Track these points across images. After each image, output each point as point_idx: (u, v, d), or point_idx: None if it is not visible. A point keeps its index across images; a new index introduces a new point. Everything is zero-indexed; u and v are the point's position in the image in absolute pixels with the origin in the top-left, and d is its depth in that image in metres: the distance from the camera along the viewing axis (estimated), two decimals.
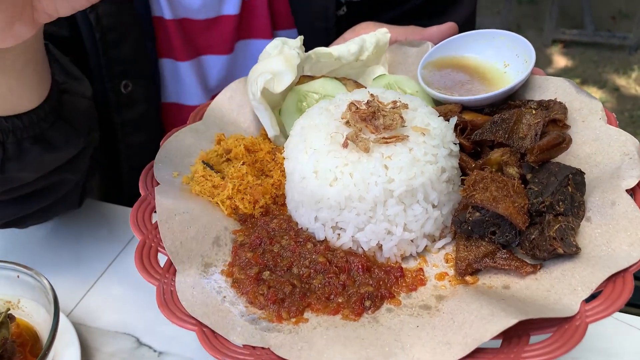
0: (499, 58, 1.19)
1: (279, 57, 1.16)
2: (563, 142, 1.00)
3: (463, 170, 1.05)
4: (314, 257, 0.97)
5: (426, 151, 0.97)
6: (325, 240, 1.01)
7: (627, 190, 0.91)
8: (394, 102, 1.03)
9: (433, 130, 1.00)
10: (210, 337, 0.84)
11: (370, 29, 1.29)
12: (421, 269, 0.98)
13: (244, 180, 1.10)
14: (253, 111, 1.23)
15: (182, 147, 1.17)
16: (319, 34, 1.41)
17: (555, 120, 1.04)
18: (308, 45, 1.24)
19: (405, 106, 1.02)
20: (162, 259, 0.96)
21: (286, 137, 1.14)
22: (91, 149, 1.20)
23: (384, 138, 0.96)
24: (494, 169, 1.00)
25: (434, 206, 0.99)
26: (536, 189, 0.94)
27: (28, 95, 1.00)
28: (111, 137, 1.45)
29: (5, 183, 1.05)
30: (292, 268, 0.97)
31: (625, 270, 0.82)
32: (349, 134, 0.97)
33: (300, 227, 1.04)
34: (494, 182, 0.94)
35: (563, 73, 4.53)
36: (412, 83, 1.23)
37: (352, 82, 1.24)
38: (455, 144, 1.03)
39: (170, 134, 1.18)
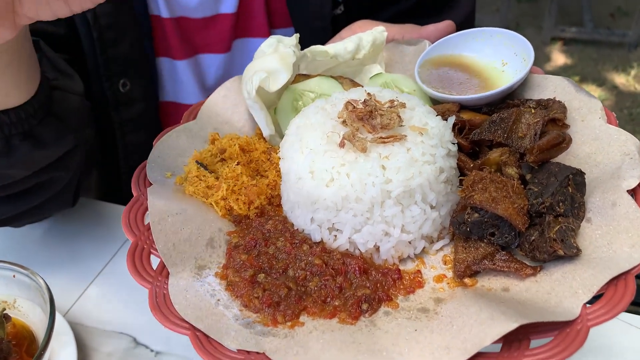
0: (497, 56, 1.18)
1: (274, 56, 1.15)
2: (563, 142, 0.99)
3: (461, 170, 1.03)
4: (310, 259, 0.95)
5: (424, 151, 0.96)
6: (321, 242, 0.99)
7: (628, 191, 0.91)
8: (391, 101, 1.01)
9: (431, 129, 0.98)
10: (203, 341, 0.83)
11: (367, 27, 1.28)
12: (419, 271, 0.96)
13: (239, 181, 1.08)
14: (248, 110, 1.21)
15: (175, 146, 1.15)
16: (315, 32, 1.41)
17: (554, 119, 1.03)
18: (305, 44, 1.23)
19: (403, 105, 1.01)
20: (155, 261, 0.94)
21: (282, 136, 1.12)
22: (83, 146, 1.19)
23: (381, 138, 0.95)
24: (493, 169, 0.99)
25: (432, 207, 0.98)
26: (536, 189, 0.93)
27: (14, 92, 0.99)
28: (110, 136, 1.45)
29: None
30: (288, 270, 0.95)
31: (626, 273, 0.81)
32: (346, 134, 0.96)
33: (296, 228, 1.03)
34: (493, 182, 0.93)
35: (562, 71, 4.54)
36: (410, 82, 1.21)
37: (348, 81, 1.22)
38: (454, 143, 1.02)
39: (164, 134, 1.16)
